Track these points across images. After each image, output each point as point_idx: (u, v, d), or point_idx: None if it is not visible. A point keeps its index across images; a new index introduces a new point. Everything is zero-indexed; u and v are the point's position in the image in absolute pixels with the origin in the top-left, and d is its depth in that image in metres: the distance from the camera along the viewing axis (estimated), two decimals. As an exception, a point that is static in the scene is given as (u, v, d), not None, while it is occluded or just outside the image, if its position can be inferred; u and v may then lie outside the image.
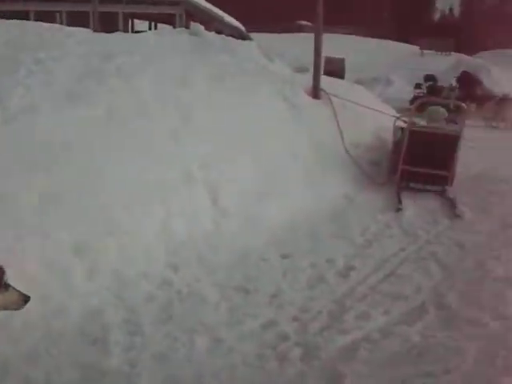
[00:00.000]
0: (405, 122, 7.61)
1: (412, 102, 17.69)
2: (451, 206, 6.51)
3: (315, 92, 8.24)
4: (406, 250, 5.10)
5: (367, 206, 6.36)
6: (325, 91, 8.23)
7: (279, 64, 9.78)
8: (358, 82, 26.01)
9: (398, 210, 6.27)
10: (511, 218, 6.18)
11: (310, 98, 8.15)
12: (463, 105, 7.65)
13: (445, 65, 27.55)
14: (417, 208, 6.41)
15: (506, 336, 3.59)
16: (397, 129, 7.83)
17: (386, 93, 23.69)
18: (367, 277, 4.46)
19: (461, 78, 19.11)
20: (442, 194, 6.96)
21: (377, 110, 8.55)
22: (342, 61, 25.71)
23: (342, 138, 7.65)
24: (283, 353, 3.41)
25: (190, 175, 5.30)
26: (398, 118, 8.13)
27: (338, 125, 7.79)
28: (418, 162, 6.98)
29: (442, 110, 7.26)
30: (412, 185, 7.12)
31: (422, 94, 18.03)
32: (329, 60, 25.51)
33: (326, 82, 9.10)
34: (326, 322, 3.77)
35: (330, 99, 8.14)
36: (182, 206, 4.99)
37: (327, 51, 29.79)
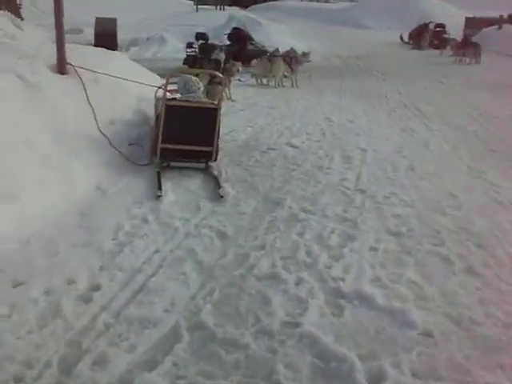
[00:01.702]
0: (169, 92, 6.99)
1: (185, 62, 17.14)
2: (215, 185, 6.03)
3: (61, 66, 7.17)
4: (162, 250, 4.48)
5: (124, 197, 5.63)
6: (71, 64, 7.18)
7: (32, 32, 8.43)
8: (133, 43, 24.96)
9: (158, 197, 5.63)
10: (276, 192, 5.90)
11: (55, 74, 7.07)
12: (219, 74, 7.15)
13: (219, 20, 27.35)
14: (179, 192, 5.85)
15: (268, 361, 3.11)
16: (158, 101, 7.13)
17: (161, 52, 22.94)
18: (113, 298, 3.76)
19: (231, 34, 18.90)
20: (206, 171, 6.45)
21: (134, 81, 7.73)
22: (113, 21, 24.25)
23: (95, 116, 6.77)
24: None
25: None
26: (159, 88, 7.44)
27: (89, 102, 6.86)
28: (179, 138, 6.44)
29: (195, 78, 6.70)
30: (174, 164, 6.51)
31: (194, 53, 17.52)
32: (99, 21, 23.95)
33: (79, 52, 8.08)
34: (54, 378, 2.98)
35: (77, 73, 7.13)
36: None
37: (99, 10, 28.18)
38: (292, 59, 14.01)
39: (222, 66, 11.83)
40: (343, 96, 12.74)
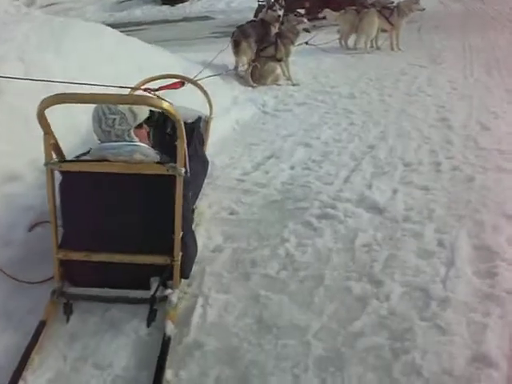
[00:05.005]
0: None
1: (256, 13, 13.27)
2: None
3: None
4: None
5: None
6: None
7: None
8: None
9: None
10: None
11: None
12: (176, 114, 2.92)
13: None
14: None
15: None
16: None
17: (236, 1, 19.16)
18: None
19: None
20: (153, 312, 2.74)
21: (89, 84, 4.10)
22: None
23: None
24: None
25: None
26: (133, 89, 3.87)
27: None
28: (97, 238, 2.74)
29: (124, 107, 2.85)
30: (90, 291, 2.87)
31: (265, 2, 13.51)
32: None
33: None
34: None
35: None
36: None
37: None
38: (392, 10, 9.72)
39: (278, 26, 7.83)
40: (469, 65, 8.38)
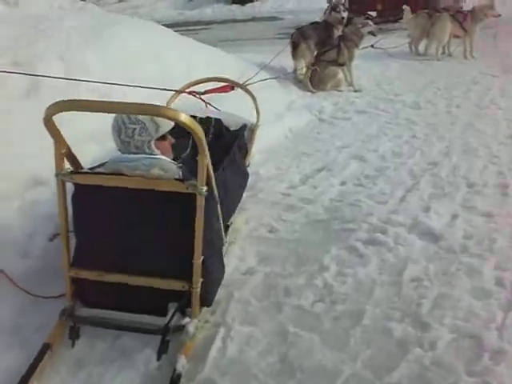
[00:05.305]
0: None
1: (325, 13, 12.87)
2: None
3: None
4: None
5: None
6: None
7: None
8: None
9: None
10: None
11: None
12: (195, 127, 2.29)
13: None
14: None
15: None
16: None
17: (305, 2, 18.76)
18: None
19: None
20: (165, 346, 2.45)
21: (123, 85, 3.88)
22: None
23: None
24: None
25: None
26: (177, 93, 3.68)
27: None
28: (110, 257, 2.50)
29: (144, 118, 2.56)
30: (98, 314, 2.62)
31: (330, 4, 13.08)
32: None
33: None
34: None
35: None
36: None
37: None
38: (466, 15, 9.13)
39: (342, 28, 7.44)
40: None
